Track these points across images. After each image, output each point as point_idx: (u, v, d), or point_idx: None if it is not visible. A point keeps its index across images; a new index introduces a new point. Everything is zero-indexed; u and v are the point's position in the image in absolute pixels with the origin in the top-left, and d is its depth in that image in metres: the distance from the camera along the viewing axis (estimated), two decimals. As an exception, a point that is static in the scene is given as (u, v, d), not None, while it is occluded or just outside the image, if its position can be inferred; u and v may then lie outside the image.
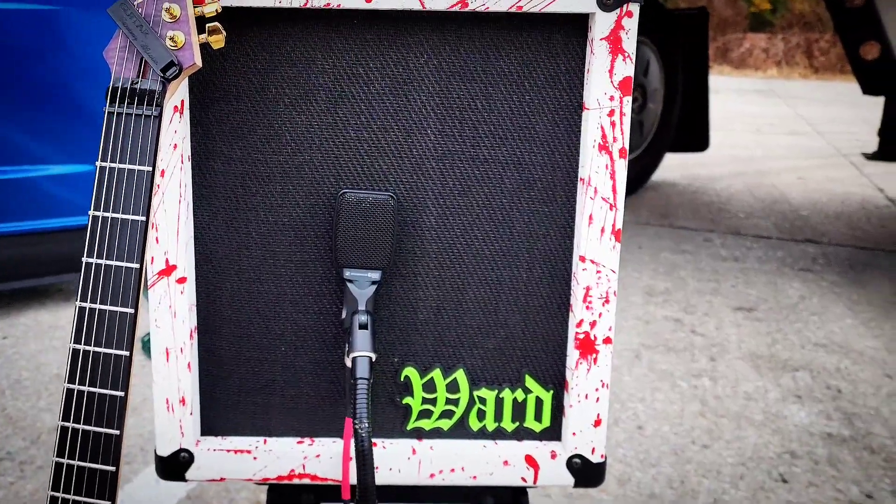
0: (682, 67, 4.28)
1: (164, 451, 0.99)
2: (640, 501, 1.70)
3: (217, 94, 0.93)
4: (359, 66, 0.93)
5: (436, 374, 1.01)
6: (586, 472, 1.01)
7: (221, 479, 1.00)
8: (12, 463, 1.78)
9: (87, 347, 0.76)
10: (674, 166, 5.11)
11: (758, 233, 3.84)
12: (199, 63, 0.81)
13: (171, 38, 0.79)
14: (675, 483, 1.78)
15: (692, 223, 3.98)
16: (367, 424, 0.86)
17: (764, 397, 2.20)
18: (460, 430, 1.02)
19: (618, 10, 0.89)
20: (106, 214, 0.77)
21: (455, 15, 0.91)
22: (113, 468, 0.76)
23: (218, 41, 0.82)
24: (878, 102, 4.71)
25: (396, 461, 1.00)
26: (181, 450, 0.99)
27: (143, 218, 0.77)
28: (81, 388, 0.77)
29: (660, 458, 1.88)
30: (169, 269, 0.94)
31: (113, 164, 0.77)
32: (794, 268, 3.34)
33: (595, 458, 1.00)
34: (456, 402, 1.02)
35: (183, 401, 0.97)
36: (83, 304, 0.77)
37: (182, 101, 0.91)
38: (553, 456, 1.01)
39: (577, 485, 1.01)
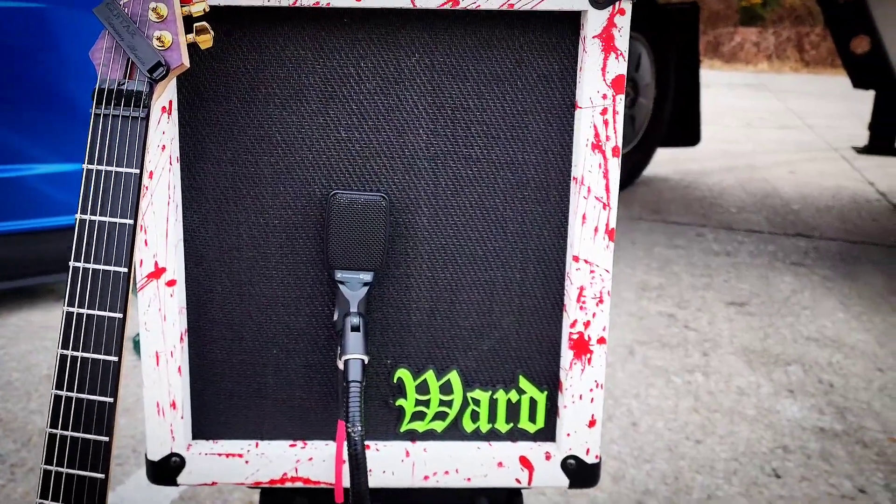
0: (674, 62, 4.27)
1: (155, 456, 0.98)
2: (634, 498, 1.70)
3: (206, 95, 0.92)
4: (349, 65, 0.92)
5: (429, 375, 1.00)
6: (581, 473, 1.00)
7: (213, 484, 0.99)
8: (3, 466, 1.76)
9: (76, 353, 0.75)
10: (665, 161, 5.11)
11: (749, 227, 3.84)
12: (187, 63, 0.80)
13: (159, 39, 0.77)
14: (669, 479, 1.78)
15: (684, 218, 3.98)
16: (359, 427, 0.85)
17: (756, 392, 2.20)
18: (454, 432, 1.02)
19: (610, 8, 0.88)
20: (93, 218, 0.76)
21: (446, 13, 0.90)
22: (102, 475, 0.75)
23: (206, 41, 0.81)
24: (868, 96, 4.71)
25: (390, 464, 1.00)
26: (172, 454, 0.98)
27: (131, 221, 0.76)
28: (70, 394, 0.76)
29: (654, 454, 1.88)
30: (158, 272, 0.93)
31: (100, 167, 0.76)
32: (785, 262, 3.34)
33: (590, 459, 1.00)
34: (450, 404, 1.01)
35: (174, 405, 0.96)
36: (70, 310, 0.76)
37: (170, 102, 0.89)
38: (548, 457, 1.00)
39: (571, 486, 1.00)
